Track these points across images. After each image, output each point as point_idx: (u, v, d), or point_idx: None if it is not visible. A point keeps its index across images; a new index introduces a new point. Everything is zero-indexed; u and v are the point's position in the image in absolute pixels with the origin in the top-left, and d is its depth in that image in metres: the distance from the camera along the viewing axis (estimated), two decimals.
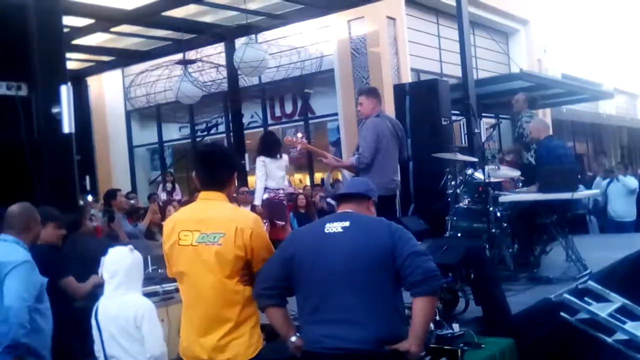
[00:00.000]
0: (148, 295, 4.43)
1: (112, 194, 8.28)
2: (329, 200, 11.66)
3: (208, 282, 3.18)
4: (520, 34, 19.43)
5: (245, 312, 3.22)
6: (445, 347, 3.93)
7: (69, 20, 10.12)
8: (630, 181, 11.41)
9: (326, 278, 3.04)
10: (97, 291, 4.53)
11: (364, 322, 2.96)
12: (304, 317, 3.14)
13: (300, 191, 12.48)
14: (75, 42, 11.91)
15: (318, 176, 15.32)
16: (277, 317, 3.20)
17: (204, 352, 3.19)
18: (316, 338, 3.04)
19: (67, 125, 5.83)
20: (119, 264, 3.84)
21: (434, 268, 2.99)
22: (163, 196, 13.02)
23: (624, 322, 5.13)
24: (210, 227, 3.19)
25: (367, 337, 2.95)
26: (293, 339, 3.14)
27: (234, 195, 10.59)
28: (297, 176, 16.24)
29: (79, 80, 14.33)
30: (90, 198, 8.90)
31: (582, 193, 6.53)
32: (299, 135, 7.64)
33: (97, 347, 3.87)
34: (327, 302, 3.04)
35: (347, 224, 3.11)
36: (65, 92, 5.85)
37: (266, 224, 8.35)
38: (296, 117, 15.72)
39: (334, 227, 3.11)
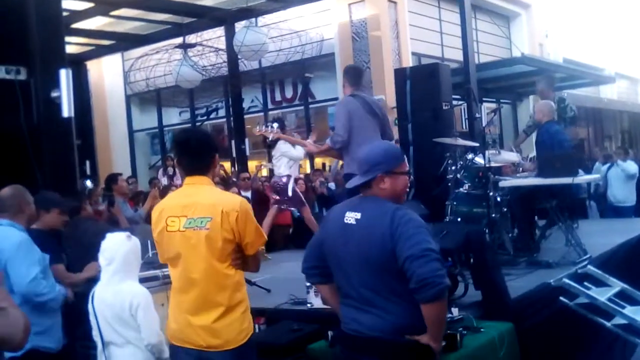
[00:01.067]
0: (148, 279, 4.44)
1: (113, 178, 8.27)
2: (329, 185, 11.65)
3: (198, 266, 3.18)
4: (522, 18, 19.35)
5: (236, 297, 3.22)
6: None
7: (68, 4, 10.09)
8: (630, 166, 11.40)
9: (345, 268, 3.09)
10: (98, 276, 4.56)
11: (380, 313, 2.98)
12: (340, 298, 3.22)
13: (301, 176, 12.46)
14: (75, 25, 11.87)
15: (318, 161, 15.32)
16: (324, 293, 3.39)
17: (196, 335, 3.19)
18: (345, 319, 3.13)
19: (67, 110, 5.80)
20: (116, 250, 3.83)
21: (430, 273, 2.82)
22: (164, 181, 13.03)
23: (623, 307, 5.14)
24: (196, 212, 3.19)
25: (383, 326, 2.97)
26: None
27: (234, 180, 10.60)
28: None
29: (78, 64, 14.30)
30: (88, 183, 8.87)
31: (582, 178, 6.52)
32: (275, 125, 7.37)
33: (94, 332, 3.89)
34: (349, 289, 3.09)
35: (358, 215, 3.06)
36: (65, 76, 5.83)
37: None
38: (296, 102, 15.70)
39: (350, 217, 3.08)
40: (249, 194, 10.01)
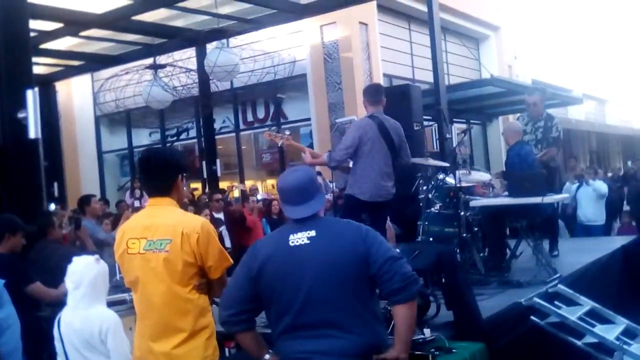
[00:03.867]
0: (115, 303, 4.35)
1: (85, 199, 8.16)
2: None
3: (158, 290, 3.07)
4: (491, 40, 19.64)
5: (199, 322, 3.10)
6: (416, 353, 3.90)
7: (37, 24, 9.97)
8: (601, 185, 11.52)
9: (299, 296, 2.85)
10: (64, 300, 4.46)
11: (346, 334, 2.82)
12: (279, 334, 2.94)
13: (274, 197, 12.40)
14: (44, 46, 11.73)
15: None
16: (248, 341, 3.03)
17: None
18: (298, 355, 2.86)
19: (33, 131, 5.73)
20: (84, 274, 3.73)
21: (411, 272, 2.88)
22: (136, 203, 12.85)
23: (593, 325, 5.18)
24: (156, 234, 3.08)
25: (351, 349, 2.81)
26: (267, 357, 2.99)
27: (207, 200, 10.51)
28: (270, 182, 16.18)
29: (47, 85, 14.13)
30: (53, 206, 8.68)
31: (551, 198, 6.58)
32: (287, 132, 7.24)
33: (59, 358, 3.78)
34: (303, 319, 2.86)
35: (312, 233, 2.89)
36: (32, 96, 5.76)
37: None
38: (268, 122, 15.68)
39: (299, 238, 2.89)
40: (221, 215, 9.94)
